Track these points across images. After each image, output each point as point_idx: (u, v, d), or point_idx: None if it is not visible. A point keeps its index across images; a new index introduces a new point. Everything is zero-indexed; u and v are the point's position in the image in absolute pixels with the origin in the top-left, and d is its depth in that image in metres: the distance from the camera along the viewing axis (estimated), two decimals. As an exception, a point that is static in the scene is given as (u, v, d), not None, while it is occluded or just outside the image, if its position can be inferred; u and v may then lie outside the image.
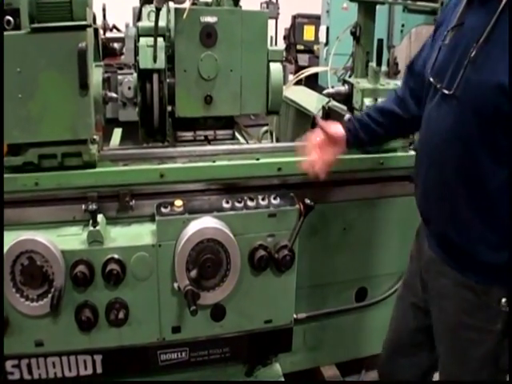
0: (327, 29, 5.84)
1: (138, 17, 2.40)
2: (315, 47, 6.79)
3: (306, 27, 7.04)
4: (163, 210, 1.78)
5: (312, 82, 3.85)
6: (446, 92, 1.42)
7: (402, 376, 1.87)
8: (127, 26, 3.68)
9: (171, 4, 2.12)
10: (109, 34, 3.95)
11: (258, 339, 1.99)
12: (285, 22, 7.25)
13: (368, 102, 2.11)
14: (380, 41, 2.30)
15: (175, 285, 1.78)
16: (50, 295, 1.67)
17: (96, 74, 1.91)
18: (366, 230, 2.26)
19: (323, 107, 2.46)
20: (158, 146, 2.31)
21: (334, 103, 2.42)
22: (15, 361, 1.76)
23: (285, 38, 7.38)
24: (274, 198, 1.87)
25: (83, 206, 1.75)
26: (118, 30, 4.13)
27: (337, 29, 4.08)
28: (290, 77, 2.34)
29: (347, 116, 2.15)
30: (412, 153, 2.16)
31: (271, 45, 2.37)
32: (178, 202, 1.80)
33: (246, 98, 2.29)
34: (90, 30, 1.76)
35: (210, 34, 2.16)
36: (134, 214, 1.90)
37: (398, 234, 2.27)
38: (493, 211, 1.40)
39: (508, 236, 1.38)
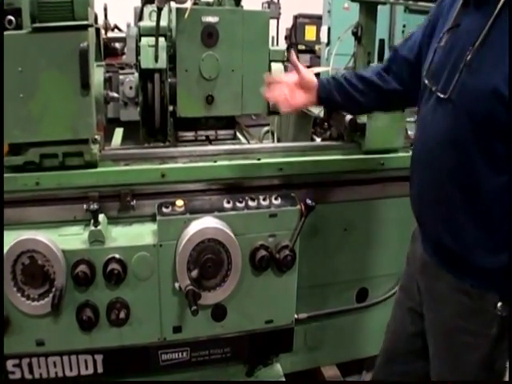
0: (329, 29, 5.83)
1: (139, 16, 2.40)
2: (317, 47, 6.78)
3: (307, 27, 7.03)
4: (164, 209, 1.78)
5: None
6: (441, 96, 1.40)
7: None
8: (129, 25, 3.69)
9: (173, 4, 2.12)
10: (110, 34, 3.95)
11: (259, 339, 1.99)
12: (286, 22, 7.23)
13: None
14: (381, 41, 2.30)
15: (176, 285, 1.78)
16: (51, 295, 1.67)
17: (97, 74, 1.91)
18: (366, 231, 2.26)
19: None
20: (160, 146, 2.31)
21: (335, 103, 2.42)
22: (16, 360, 1.76)
23: (286, 38, 7.37)
24: (275, 198, 1.87)
25: (84, 206, 1.75)
26: (120, 29, 4.14)
27: (338, 29, 4.08)
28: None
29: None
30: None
31: (272, 45, 2.37)
32: (179, 202, 1.80)
33: (247, 98, 2.29)
34: (92, 30, 1.77)
35: (211, 34, 2.16)
36: (135, 213, 1.90)
37: (399, 235, 2.26)
38: (488, 215, 1.38)
39: (504, 240, 1.37)
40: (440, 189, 1.46)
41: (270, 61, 2.28)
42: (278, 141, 2.96)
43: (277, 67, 2.28)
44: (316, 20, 6.83)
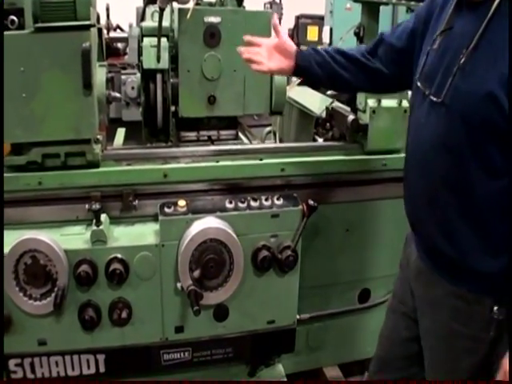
0: (331, 29, 5.84)
1: (141, 17, 2.40)
2: (319, 47, 6.79)
3: (309, 27, 7.02)
4: (166, 209, 1.78)
5: (315, 83, 3.85)
6: (435, 99, 1.39)
7: None
8: (131, 25, 3.69)
9: (175, 4, 2.12)
10: (112, 34, 3.95)
11: (261, 339, 1.99)
12: (288, 23, 7.23)
13: (372, 102, 2.10)
14: (383, 41, 2.29)
15: (178, 285, 1.78)
16: (53, 294, 1.67)
17: (99, 74, 1.91)
18: (368, 231, 2.26)
19: (327, 108, 2.45)
20: (162, 146, 2.31)
21: (337, 104, 2.41)
22: (18, 359, 1.76)
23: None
24: (278, 199, 1.87)
25: (86, 206, 1.76)
26: (122, 29, 4.13)
27: (340, 29, 4.07)
28: (294, 77, 2.34)
29: None
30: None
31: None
32: (182, 202, 1.80)
33: (249, 99, 2.29)
34: (94, 30, 1.77)
35: (213, 34, 2.16)
36: (138, 213, 1.90)
37: (402, 236, 2.25)
38: (482, 219, 1.37)
39: (500, 243, 1.35)
40: (434, 192, 1.44)
41: (272, 61, 2.28)
42: (280, 141, 2.96)
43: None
44: (318, 20, 6.82)
